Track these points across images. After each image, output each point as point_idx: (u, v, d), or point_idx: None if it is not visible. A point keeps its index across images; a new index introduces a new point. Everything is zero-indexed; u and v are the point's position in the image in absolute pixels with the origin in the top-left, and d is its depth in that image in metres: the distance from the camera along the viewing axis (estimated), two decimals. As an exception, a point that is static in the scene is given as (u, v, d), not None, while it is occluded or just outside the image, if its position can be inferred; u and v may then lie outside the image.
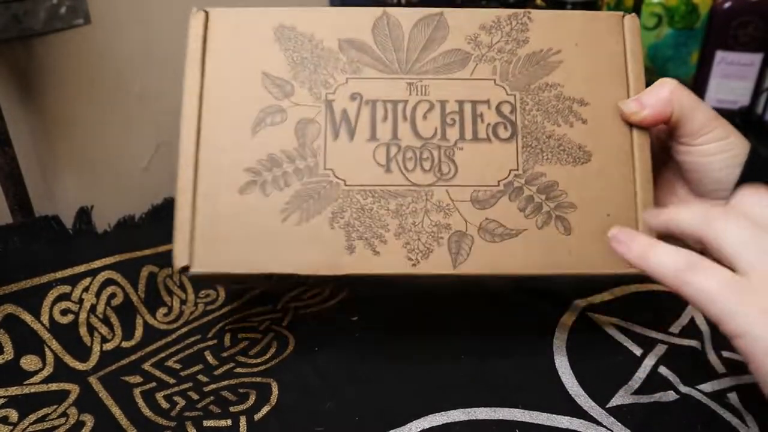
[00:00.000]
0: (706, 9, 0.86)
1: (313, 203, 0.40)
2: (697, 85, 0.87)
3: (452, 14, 0.42)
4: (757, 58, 0.82)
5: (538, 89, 0.42)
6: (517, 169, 0.41)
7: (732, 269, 0.32)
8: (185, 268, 0.38)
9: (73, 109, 0.63)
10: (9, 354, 0.45)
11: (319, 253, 0.39)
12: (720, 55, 0.84)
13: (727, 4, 0.82)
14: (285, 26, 0.42)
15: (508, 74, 0.42)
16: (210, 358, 0.48)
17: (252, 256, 0.39)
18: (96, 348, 0.47)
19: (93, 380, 0.45)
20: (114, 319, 0.48)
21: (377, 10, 0.42)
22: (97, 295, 0.48)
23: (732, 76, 0.84)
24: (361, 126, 0.41)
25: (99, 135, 0.66)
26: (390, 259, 0.39)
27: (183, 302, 0.52)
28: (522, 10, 0.43)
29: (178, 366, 0.47)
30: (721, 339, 0.44)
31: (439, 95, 0.41)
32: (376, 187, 0.40)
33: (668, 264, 0.34)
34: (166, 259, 0.53)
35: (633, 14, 0.42)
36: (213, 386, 0.45)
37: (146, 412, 0.43)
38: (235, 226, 0.39)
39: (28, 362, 0.45)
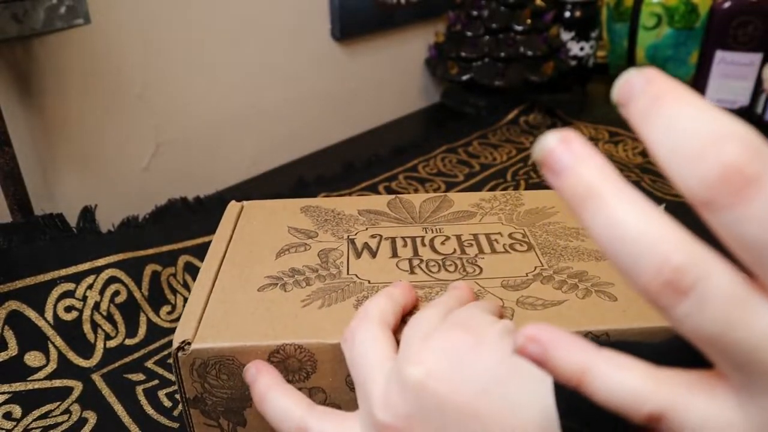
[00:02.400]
0: (705, 9, 0.87)
1: (337, 295, 0.37)
2: (697, 85, 0.88)
3: (453, 195, 0.49)
4: (756, 57, 0.83)
5: (543, 225, 0.45)
6: (542, 266, 0.40)
7: None
8: (186, 343, 0.33)
9: (73, 109, 0.63)
10: (13, 350, 0.45)
11: (342, 327, 0.34)
12: (719, 54, 0.84)
13: (726, 4, 0.82)
14: (310, 206, 0.48)
15: (513, 220, 0.46)
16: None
17: (264, 329, 0.34)
18: (99, 345, 0.47)
19: (96, 377, 0.45)
20: (117, 317, 0.48)
21: (389, 196, 0.49)
22: (101, 292, 0.48)
23: (731, 75, 0.85)
24: (382, 250, 0.42)
25: (99, 135, 0.66)
26: None
27: (186, 301, 0.52)
28: (513, 191, 0.50)
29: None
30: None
31: (453, 231, 0.44)
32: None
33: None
34: (169, 259, 0.53)
35: None
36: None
37: (148, 409, 0.43)
38: (249, 311, 0.36)
39: (32, 358, 0.45)
